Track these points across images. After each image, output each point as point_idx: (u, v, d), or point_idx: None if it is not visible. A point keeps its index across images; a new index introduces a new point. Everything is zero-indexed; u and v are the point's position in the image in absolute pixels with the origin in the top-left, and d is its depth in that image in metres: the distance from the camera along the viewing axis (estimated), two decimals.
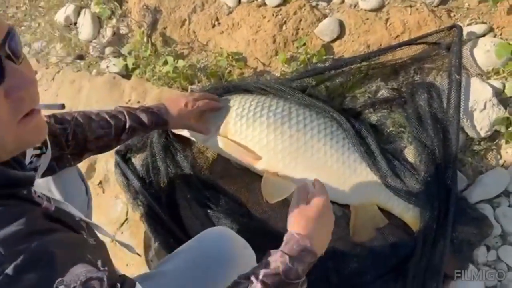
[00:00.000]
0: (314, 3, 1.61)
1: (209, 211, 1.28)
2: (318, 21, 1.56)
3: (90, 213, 1.23)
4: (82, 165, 1.34)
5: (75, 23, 1.81)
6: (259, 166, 1.26)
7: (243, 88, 1.42)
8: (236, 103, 1.33)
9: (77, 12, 1.81)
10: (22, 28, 1.91)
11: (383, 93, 1.40)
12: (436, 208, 1.17)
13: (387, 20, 1.50)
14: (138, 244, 1.38)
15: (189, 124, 1.29)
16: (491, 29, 1.43)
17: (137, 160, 1.45)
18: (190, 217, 1.31)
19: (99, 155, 1.43)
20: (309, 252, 0.85)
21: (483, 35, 1.42)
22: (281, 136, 1.25)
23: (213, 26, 1.68)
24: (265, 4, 1.63)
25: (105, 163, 1.52)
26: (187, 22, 1.70)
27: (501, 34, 1.42)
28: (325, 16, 1.57)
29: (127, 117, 1.17)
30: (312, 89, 1.38)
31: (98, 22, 1.79)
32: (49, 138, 1.02)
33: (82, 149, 1.11)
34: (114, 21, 1.77)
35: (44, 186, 1.08)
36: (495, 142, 1.32)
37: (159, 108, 1.23)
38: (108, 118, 1.15)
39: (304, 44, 1.54)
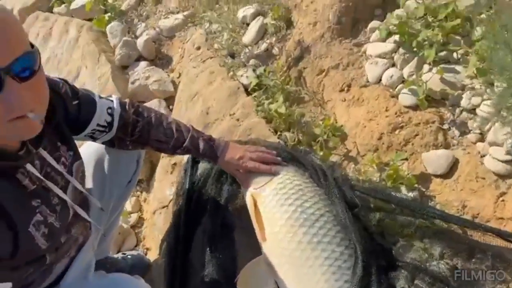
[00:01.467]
0: (446, 126, 1.39)
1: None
2: (434, 147, 1.36)
3: (127, 193, 1.45)
4: None
5: (248, 24, 1.98)
6: (261, 245, 1.26)
7: (306, 165, 1.38)
8: (283, 177, 1.31)
9: (254, 16, 1.96)
10: (217, 6, 2.18)
11: (440, 267, 1.18)
12: None
13: (502, 194, 1.21)
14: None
15: (233, 172, 1.36)
16: None
17: (201, 167, 1.59)
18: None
19: None
20: None
21: None
22: (291, 237, 1.20)
23: (341, 90, 1.62)
24: (394, 97, 1.48)
25: None
26: (324, 73, 1.68)
27: None
28: (444, 146, 1.35)
29: (188, 138, 1.30)
30: (363, 211, 1.26)
31: (263, 33, 1.91)
32: (119, 122, 1.24)
33: (143, 143, 1.30)
34: (273, 39, 1.87)
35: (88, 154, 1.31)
36: None
37: (218, 146, 1.32)
38: (174, 130, 1.30)
39: (405, 159, 1.37)
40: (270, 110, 1.63)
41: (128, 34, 2.32)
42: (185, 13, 2.22)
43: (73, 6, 2.59)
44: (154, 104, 1.99)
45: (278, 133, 1.60)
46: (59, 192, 0.99)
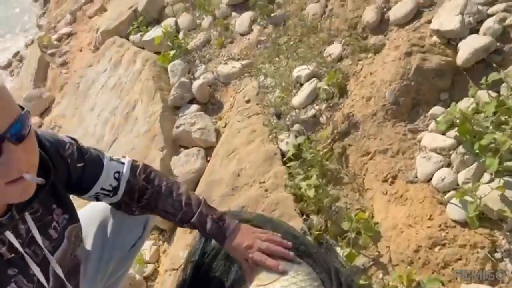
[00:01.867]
0: (498, 255, 1.14)
1: None
2: (478, 279, 1.12)
3: (131, 255, 1.39)
4: None
5: (301, 84, 1.86)
6: None
7: (323, 267, 1.22)
8: (290, 279, 1.16)
9: (309, 78, 1.84)
10: (276, 59, 2.09)
11: None
12: None
13: None
14: None
15: (239, 260, 1.23)
16: None
17: None
18: None
19: None
20: None
21: None
22: None
23: (385, 180, 1.43)
24: (442, 204, 1.26)
25: None
26: (369, 156, 1.50)
27: None
28: (490, 282, 1.10)
29: (196, 214, 1.21)
30: None
31: (314, 97, 1.78)
32: (125, 187, 1.19)
33: (150, 210, 1.25)
34: (323, 106, 1.72)
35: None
36: None
37: (227, 228, 1.21)
38: (183, 204, 1.22)
39: (441, 284, 1.15)
40: (300, 188, 1.48)
41: (188, 74, 2.32)
42: (244, 62, 2.17)
43: (146, 37, 2.67)
44: (193, 152, 1.94)
45: (304, 216, 1.45)
46: (35, 269, 0.95)
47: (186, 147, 2.01)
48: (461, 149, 1.30)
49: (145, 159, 2.04)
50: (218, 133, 2.01)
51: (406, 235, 1.28)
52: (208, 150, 1.97)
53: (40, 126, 3.26)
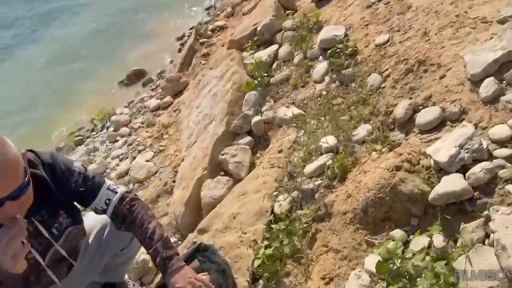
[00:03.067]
0: None
1: None
2: None
3: (125, 253, 1.85)
4: None
5: (321, 154, 1.97)
6: None
7: None
8: None
9: (328, 151, 1.94)
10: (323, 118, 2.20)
11: None
12: None
13: None
14: None
15: None
16: None
17: None
18: None
19: None
20: None
21: None
22: None
23: (323, 278, 1.54)
24: None
25: None
26: (326, 249, 1.61)
27: None
28: None
29: (152, 248, 1.53)
30: None
31: (322, 171, 1.89)
32: (112, 211, 1.64)
33: (129, 231, 1.68)
34: (326, 182, 1.83)
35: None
36: None
37: (171, 266, 1.50)
38: (147, 236, 1.52)
39: None
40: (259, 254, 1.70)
41: (257, 106, 2.60)
42: (298, 111, 2.34)
43: (246, 59, 3.02)
44: (223, 180, 2.28)
45: (252, 278, 1.67)
46: (35, 254, 1.46)
47: (224, 173, 2.36)
48: (381, 284, 1.34)
49: (192, 172, 2.47)
50: (251, 169, 2.29)
51: None
52: (237, 182, 2.28)
53: (170, 105, 3.98)
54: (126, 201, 1.63)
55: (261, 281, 1.67)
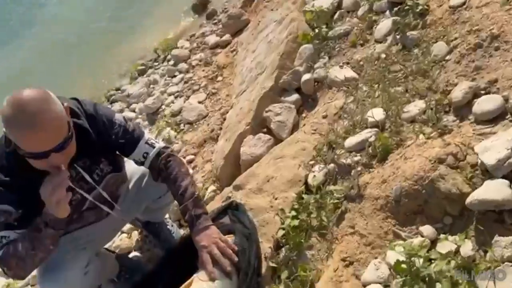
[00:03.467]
0: None
1: None
2: None
3: (162, 204, 1.95)
4: None
5: (366, 127, 1.86)
6: None
7: None
8: (211, 285, 1.53)
9: (372, 125, 1.82)
10: None
11: None
12: None
13: None
14: None
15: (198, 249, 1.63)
16: None
17: None
18: None
19: None
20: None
21: None
22: None
23: (343, 260, 1.53)
24: None
25: None
26: (352, 231, 1.58)
27: None
28: None
29: (183, 204, 1.62)
30: None
31: (362, 146, 1.80)
32: (149, 165, 1.71)
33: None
34: (363, 160, 1.75)
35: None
36: None
37: (198, 225, 1.57)
38: (179, 193, 1.62)
39: None
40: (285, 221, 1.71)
41: (310, 62, 2.46)
42: (351, 74, 2.18)
43: (308, 5, 2.81)
44: (264, 139, 2.26)
45: (275, 245, 1.71)
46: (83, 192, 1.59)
47: (264, 130, 2.33)
48: (398, 280, 1.30)
49: (236, 126, 2.47)
50: (293, 131, 2.23)
51: None
52: (278, 142, 2.24)
53: (228, 44, 3.91)
54: (162, 156, 1.70)
55: (283, 250, 1.69)
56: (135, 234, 2.42)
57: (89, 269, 1.68)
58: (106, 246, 2.18)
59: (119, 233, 2.39)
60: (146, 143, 1.70)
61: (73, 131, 1.40)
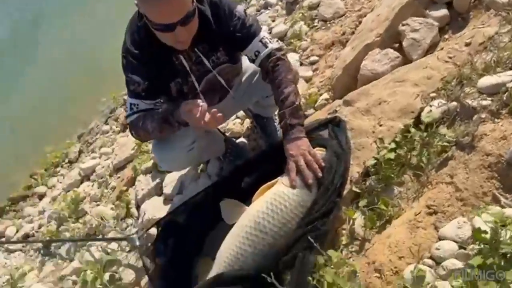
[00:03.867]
0: None
1: None
2: None
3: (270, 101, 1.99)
4: None
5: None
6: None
7: None
8: (291, 192, 1.60)
9: None
10: None
11: None
12: None
13: None
14: None
15: (286, 156, 1.69)
16: None
17: None
18: None
19: None
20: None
21: None
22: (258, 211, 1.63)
23: (428, 207, 1.44)
24: None
25: None
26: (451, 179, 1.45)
27: None
28: None
29: (281, 111, 1.69)
30: None
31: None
32: (259, 63, 1.75)
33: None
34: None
35: None
36: None
37: (291, 134, 1.66)
38: (280, 99, 1.70)
39: None
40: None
41: None
42: None
43: None
44: (391, 56, 2.05)
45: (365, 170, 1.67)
46: (193, 78, 1.74)
47: (400, 48, 2.10)
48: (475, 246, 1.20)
49: (366, 34, 2.26)
50: (429, 53, 1.97)
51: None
52: (406, 63, 2.02)
53: None
54: (272, 58, 1.71)
55: (371, 179, 1.65)
56: (247, 122, 2.58)
57: (194, 146, 1.89)
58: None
59: (234, 116, 2.58)
60: (260, 41, 1.71)
61: (196, 7, 1.50)
